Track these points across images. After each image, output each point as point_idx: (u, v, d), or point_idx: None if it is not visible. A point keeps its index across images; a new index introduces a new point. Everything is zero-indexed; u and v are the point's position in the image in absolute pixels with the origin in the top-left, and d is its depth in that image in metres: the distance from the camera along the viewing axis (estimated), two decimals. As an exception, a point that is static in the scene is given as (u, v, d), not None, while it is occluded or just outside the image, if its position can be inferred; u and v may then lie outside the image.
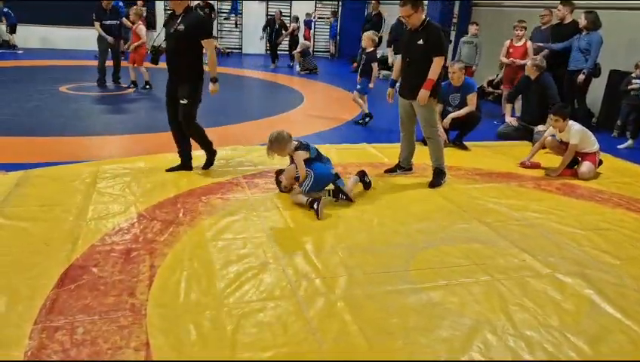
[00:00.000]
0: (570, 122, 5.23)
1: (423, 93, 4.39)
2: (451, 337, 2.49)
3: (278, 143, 4.01)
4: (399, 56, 4.77)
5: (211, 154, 4.75)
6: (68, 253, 3.07)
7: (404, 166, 5.00)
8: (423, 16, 4.40)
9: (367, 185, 4.44)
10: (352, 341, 2.42)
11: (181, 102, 4.36)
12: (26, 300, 2.58)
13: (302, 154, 4.04)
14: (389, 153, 5.46)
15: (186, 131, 4.53)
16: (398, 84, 4.85)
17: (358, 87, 7.17)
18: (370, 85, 7.09)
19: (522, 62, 7.55)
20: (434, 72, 4.37)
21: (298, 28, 13.77)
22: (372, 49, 7.10)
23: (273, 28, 13.30)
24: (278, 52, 13.66)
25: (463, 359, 2.35)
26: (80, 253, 3.09)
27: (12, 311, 2.50)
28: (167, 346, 2.32)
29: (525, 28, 7.86)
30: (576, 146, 5.13)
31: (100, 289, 2.73)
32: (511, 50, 7.94)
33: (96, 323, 2.44)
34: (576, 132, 5.15)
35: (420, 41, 4.37)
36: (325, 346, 2.38)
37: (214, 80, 4.44)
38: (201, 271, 2.96)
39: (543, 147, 5.52)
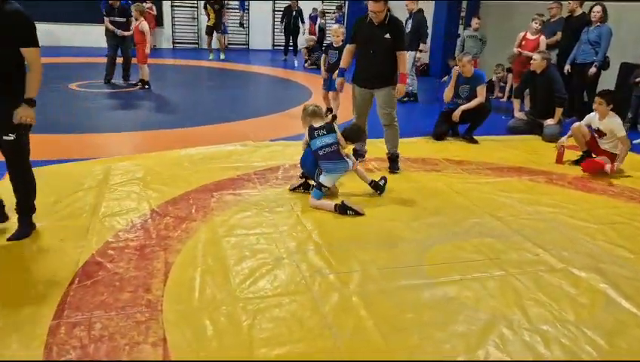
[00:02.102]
0: (613, 113, 5.20)
1: (401, 88, 4.67)
2: (467, 332, 2.49)
3: (302, 113, 4.31)
4: (348, 46, 4.86)
5: (29, 213, 3.30)
6: (83, 250, 3.09)
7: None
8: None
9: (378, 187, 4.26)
10: (368, 336, 2.43)
11: (5, 138, 3.01)
12: (42, 297, 2.60)
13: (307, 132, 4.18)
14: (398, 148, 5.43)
15: (12, 173, 3.16)
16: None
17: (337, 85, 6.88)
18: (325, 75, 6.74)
19: (530, 54, 7.50)
20: (404, 66, 4.67)
21: (325, 24, 13.73)
22: (341, 43, 6.70)
23: (290, 17, 13.29)
24: (290, 47, 13.71)
25: (479, 353, 2.35)
26: (95, 249, 3.11)
27: (29, 307, 2.52)
28: (184, 342, 2.33)
29: (543, 22, 7.75)
30: (625, 137, 5.11)
31: (115, 285, 2.74)
32: (523, 42, 7.88)
33: (113, 318, 2.46)
34: (621, 125, 5.15)
35: (387, 35, 4.54)
36: (341, 341, 2.39)
37: (29, 101, 2.98)
38: (215, 267, 2.98)
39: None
